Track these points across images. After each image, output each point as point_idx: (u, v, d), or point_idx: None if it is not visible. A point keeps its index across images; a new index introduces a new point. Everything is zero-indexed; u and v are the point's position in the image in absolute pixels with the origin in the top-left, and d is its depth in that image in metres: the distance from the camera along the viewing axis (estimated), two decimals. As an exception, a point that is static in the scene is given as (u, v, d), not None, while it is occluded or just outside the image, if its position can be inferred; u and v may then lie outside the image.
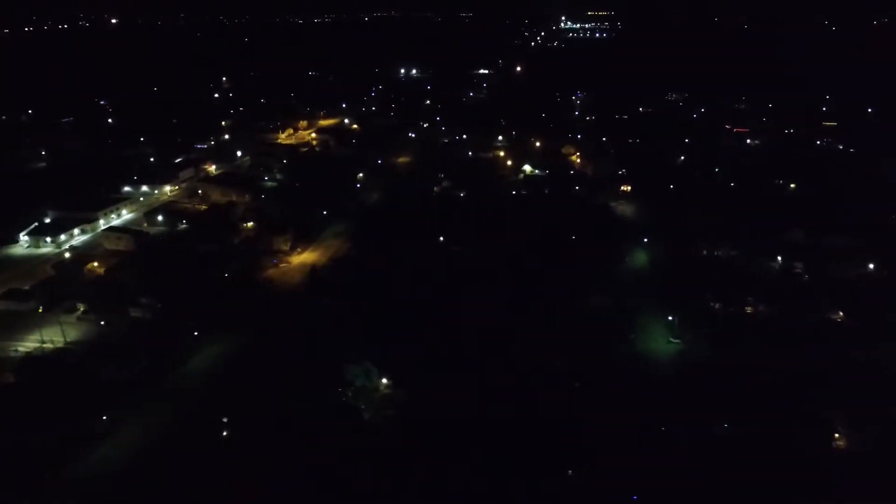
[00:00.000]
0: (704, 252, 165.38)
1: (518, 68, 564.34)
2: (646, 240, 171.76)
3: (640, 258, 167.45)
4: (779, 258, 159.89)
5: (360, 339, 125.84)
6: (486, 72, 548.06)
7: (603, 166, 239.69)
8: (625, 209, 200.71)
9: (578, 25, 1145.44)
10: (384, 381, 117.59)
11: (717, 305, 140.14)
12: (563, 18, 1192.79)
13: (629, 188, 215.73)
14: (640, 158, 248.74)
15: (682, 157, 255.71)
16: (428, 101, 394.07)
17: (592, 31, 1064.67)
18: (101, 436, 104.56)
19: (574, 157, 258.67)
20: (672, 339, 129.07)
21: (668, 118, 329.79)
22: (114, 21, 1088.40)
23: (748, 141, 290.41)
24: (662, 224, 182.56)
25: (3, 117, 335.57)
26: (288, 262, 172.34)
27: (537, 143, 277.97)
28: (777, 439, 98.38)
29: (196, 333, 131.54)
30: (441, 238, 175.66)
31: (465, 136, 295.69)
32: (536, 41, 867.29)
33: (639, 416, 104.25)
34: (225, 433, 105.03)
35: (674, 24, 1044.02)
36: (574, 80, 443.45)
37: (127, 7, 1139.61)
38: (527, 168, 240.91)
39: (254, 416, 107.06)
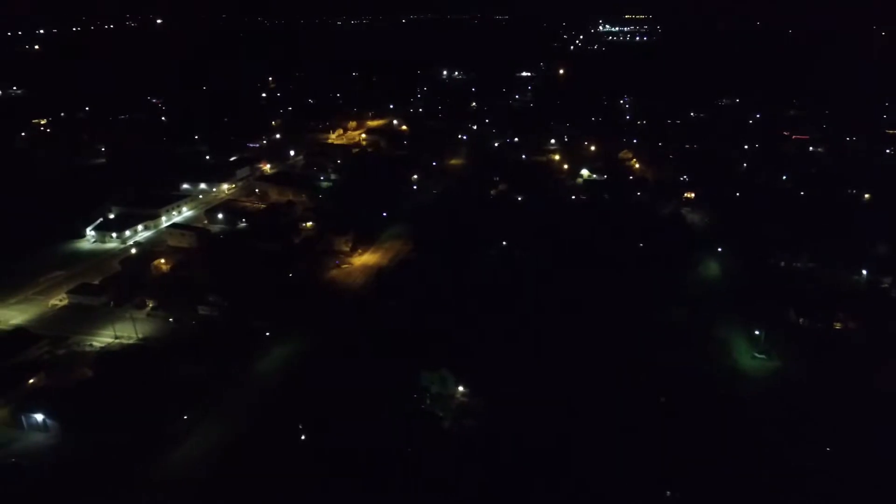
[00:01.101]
0: (782, 263, 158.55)
1: (561, 71, 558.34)
2: (719, 249, 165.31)
3: (712, 268, 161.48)
4: (864, 272, 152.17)
5: (432, 343, 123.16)
6: (528, 74, 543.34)
7: (663, 172, 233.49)
8: (691, 217, 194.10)
9: (617, 28, 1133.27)
10: (460, 388, 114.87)
11: (801, 320, 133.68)
12: (601, 21, 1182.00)
13: (693, 195, 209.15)
14: (701, 165, 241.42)
15: (745, 164, 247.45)
16: (474, 104, 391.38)
17: (632, 34, 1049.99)
18: (182, 436, 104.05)
19: (632, 162, 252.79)
20: (757, 355, 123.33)
21: (725, 124, 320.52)
22: (159, 21, 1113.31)
23: (810, 148, 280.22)
24: (733, 233, 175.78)
25: (62, 114, 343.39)
26: (350, 264, 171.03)
27: (592, 147, 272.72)
28: (887, 466, 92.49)
29: (268, 334, 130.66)
30: (504, 242, 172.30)
31: (516, 139, 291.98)
32: (576, 44, 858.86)
33: (735, 434, 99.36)
34: (303, 437, 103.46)
35: (714, 27, 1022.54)
36: (619, 84, 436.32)
37: (170, 8, 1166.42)
38: (584, 172, 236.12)
39: (330, 421, 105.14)
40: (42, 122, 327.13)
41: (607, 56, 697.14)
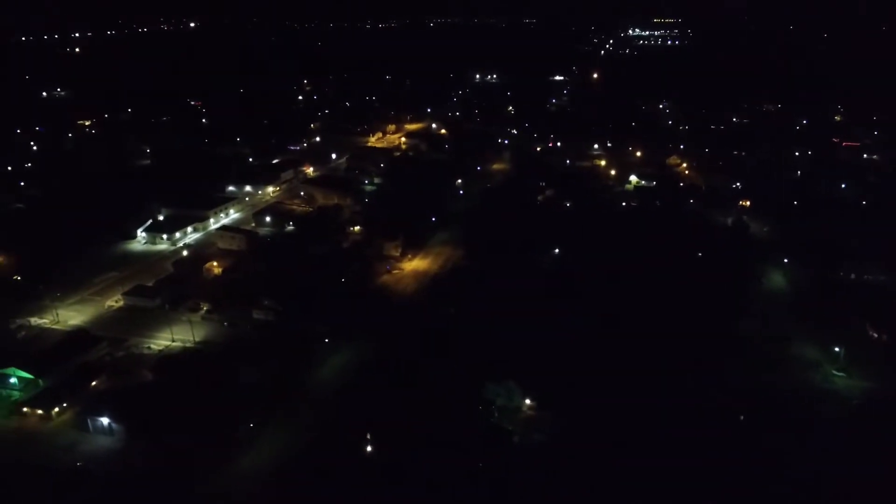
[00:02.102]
0: (852, 275, 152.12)
1: (595, 75, 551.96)
2: (786, 260, 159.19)
3: (777, 280, 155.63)
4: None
5: (494, 353, 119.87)
6: (562, 78, 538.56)
7: (715, 179, 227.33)
8: (749, 225, 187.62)
9: (647, 32, 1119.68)
10: (527, 401, 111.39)
11: (882, 336, 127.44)
12: (628, 25, 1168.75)
13: (748, 203, 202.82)
14: (753, 171, 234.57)
15: (799, 172, 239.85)
16: (511, 108, 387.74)
17: (663, 38, 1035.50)
18: (248, 443, 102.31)
19: (681, 169, 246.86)
20: (836, 372, 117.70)
21: (771, 130, 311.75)
22: (192, 25, 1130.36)
23: (864, 155, 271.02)
24: (795, 243, 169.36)
25: (105, 116, 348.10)
26: (400, 269, 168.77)
27: (637, 153, 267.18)
28: None
29: (326, 340, 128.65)
30: (557, 250, 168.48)
31: (559, 144, 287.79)
32: (607, 48, 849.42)
33: (827, 459, 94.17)
34: (369, 448, 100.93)
35: (745, 31, 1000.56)
36: (655, 88, 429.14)
37: (201, 11, 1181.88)
38: (633, 179, 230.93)
39: (395, 432, 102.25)
40: (87, 123, 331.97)
41: (640, 60, 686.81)
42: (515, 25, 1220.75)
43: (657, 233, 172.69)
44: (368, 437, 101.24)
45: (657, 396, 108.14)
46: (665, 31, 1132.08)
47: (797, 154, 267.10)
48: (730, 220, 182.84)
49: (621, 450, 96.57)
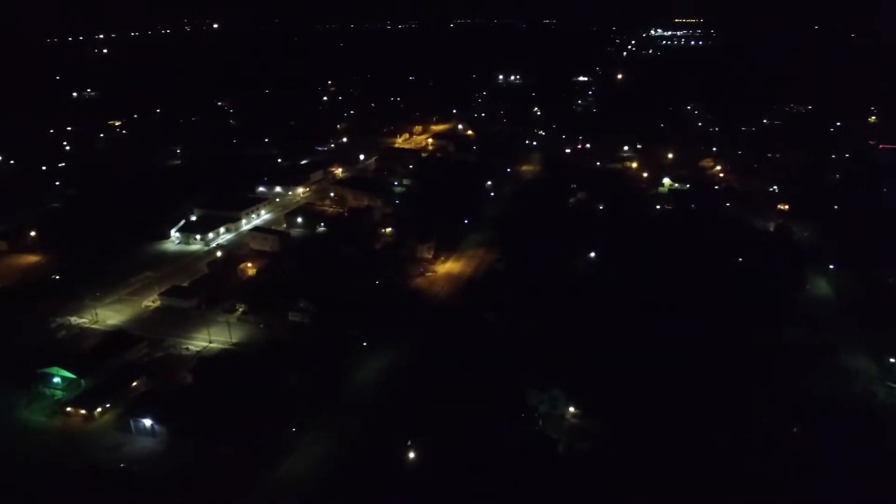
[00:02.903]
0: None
1: (619, 76, 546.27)
2: (831, 266, 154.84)
3: (823, 287, 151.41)
4: None
5: (536, 359, 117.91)
6: (585, 79, 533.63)
7: (751, 182, 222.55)
8: (794, 231, 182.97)
9: (670, 33, 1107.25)
10: (571, 409, 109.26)
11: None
12: (650, 26, 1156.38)
13: (787, 207, 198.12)
14: (790, 175, 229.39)
15: (837, 175, 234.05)
16: (536, 108, 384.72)
17: (687, 38, 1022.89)
18: (290, 447, 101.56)
19: (714, 171, 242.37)
20: (892, 384, 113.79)
21: (804, 132, 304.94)
22: (215, 26, 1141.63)
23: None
24: (839, 248, 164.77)
25: (135, 116, 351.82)
26: (433, 272, 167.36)
27: (669, 155, 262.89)
28: None
29: (364, 344, 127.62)
30: (592, 254, 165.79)
31: (588, 146, 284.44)
32: (629, 49, 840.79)
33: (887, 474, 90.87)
34: (411, 455, 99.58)
35: (769, 32, 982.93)
36: (682, 89, 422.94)
37: (224, 12, 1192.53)
38: (666, 181, 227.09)
39: (436, 439, 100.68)
40: (117, 124, 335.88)
41: (665, 60, 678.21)
42: (535, 26, 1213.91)
43: (695, 237, 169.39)
44: (409, 444, 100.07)
45: (704, 406, 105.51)
46: (688, 31, 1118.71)
47: (834, 157, 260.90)
48: (772, 226, 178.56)
49: (668, 460, 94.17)
